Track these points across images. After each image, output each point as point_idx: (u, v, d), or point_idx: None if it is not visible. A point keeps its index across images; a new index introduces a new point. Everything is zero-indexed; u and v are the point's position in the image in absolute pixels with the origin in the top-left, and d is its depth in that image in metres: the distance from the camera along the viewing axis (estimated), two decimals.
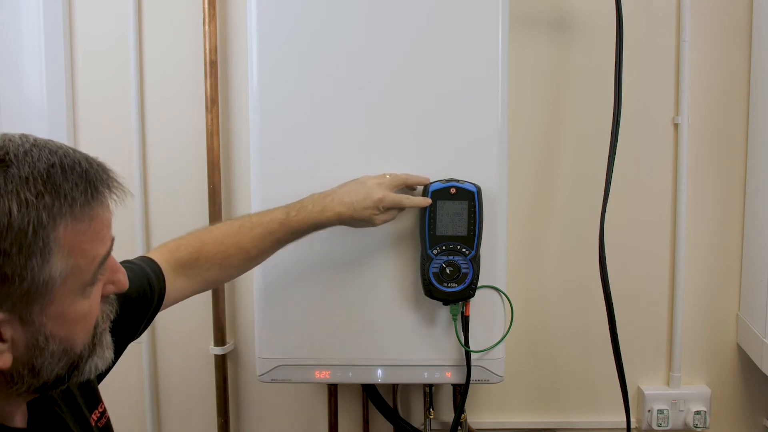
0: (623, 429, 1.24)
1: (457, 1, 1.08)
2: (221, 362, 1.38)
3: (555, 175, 1.34)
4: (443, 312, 1.13)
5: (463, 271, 1.07)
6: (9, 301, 0.53)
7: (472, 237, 1.07)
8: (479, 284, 1.09)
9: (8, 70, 1.27)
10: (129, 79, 1.32)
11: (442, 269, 1.07)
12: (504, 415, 1.42)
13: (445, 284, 1.07)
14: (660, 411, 1.37)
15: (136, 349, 1.37)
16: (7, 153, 0.54)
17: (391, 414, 1.35)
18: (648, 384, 1.39)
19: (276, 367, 1.15)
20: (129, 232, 1.35)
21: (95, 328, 0.61)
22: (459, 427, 1.23)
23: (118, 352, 0.78)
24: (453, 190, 1.06)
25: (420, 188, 1.09)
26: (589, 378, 1.39)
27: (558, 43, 1.31)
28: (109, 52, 1.33)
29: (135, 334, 0.87)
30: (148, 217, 1.36)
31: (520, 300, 1.30)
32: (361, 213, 0.99)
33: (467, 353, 1.12)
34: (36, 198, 0.53)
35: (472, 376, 1.13)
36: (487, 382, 1.15)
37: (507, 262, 1.14)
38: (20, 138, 0.56)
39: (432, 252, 1.07)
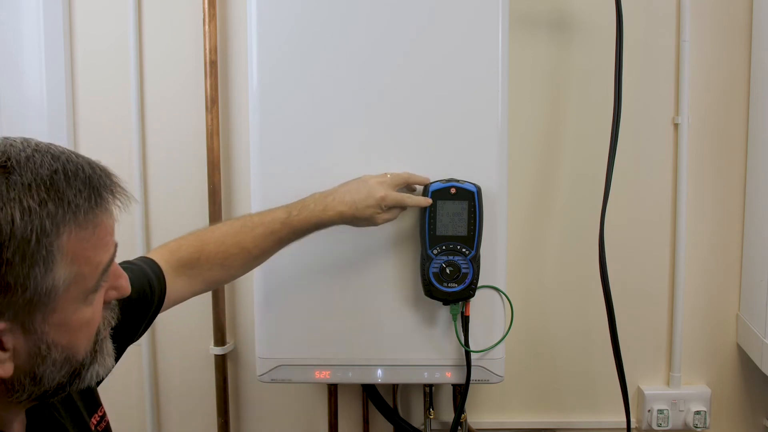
0: (623, 429, 1.24)
1: (457, 1, 1.08)
2: (221, 362, 1.38)
3: (555, 175, 1.34)
4: (443, 312, 1.13)
5: (463, 271, 1.07)
6: (11, 310, 0.53)
7: (472, 237, 1.07)
8: (479, 284, 1.09)
9: (8, 70, 1.27)
10: (129, 79, 1.32)
11: (442, 269, 1.07)
12: (504, 415, 1.42)
13: (445, 284, 1.07)
14: (660, 411, 1.37)
15: (136, 349, 1.37)
16: (9, 159, 0.53)
17: (391, 414, 1.35)
18: (648, 384, 1.39)
19: (276, 367, 1.15)
20: (129, 233, 1.34)
21: (97, 334, 0.61)
22: (459, 427, 1.23)
23: (118, 354, 0.77)
24: (453, 190, 1.06)
25: (420, 188, 1.09)
26: (589, 378, 1.39)
27: (558, 43, 1.31)
28: (109, 52, 1.33)
29: (135, 336, 0.86)
30: (148, 217, 1.36)
31: (520, 300, 1.30)
32: (363, 212, 0.99)
33: (467, 353, 1.12)
34: (39, 206, 0.52)
35: (472, 376, 1.13)
36: (487, 382, 1.15)
37: (507, 262, 1.14)
38: (22, 143, 0.55)
39: (432, 252, 1.07)
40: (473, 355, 1.13)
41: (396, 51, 1.09)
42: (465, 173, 1.09)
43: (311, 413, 1.42)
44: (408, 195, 1.06)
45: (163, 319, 0.92)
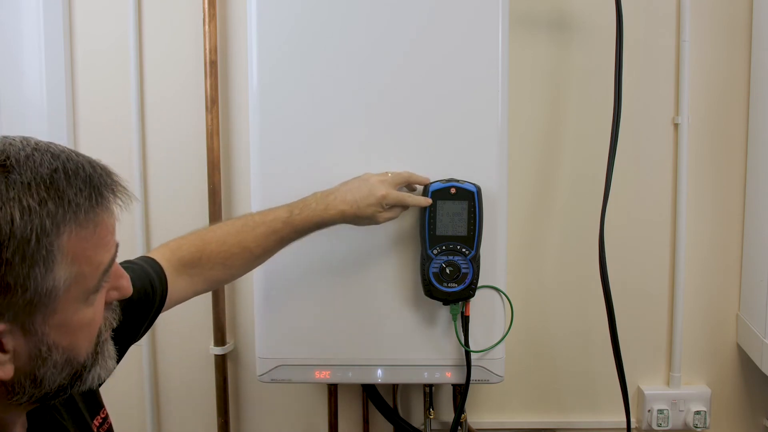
0: (623, 429, 1.24)
1: (457, 1, 1.08)
2: (221, 362, 1.38)
3: (555, 175, 1.34)
4: (443, 312, 1.13)
5: (463, 271, 1.07)
6: (11, 311, 0.52)
7: (472, 237, 1.07)
8: (479, 284, 1.09)
9: (8, 70, 1.27)
10: (129, 79, 1.32)
11: (442, 269, 1.07)
12: (504, 415, 1.42)
13: (445, 284, 1.07)
14: (660, 411, 1.37)
15: (136, 349, 1.36)
16: (8, 158, 0.52)
17: (391, 414, 1.35)
18: (648, 384, 1.39)
19: (276, 367, 1.15)
20: (129, 232, 1.34)
21: (98, 336, 0.60)
22: (459, 427, 1.23)
23: (120, 355, 0.77)
24: (453, 190, 1.06)
25: (420, 188, 1.09)
26: (589, 378, 1.39)
27: (558, 43, 1.31)
28: (109, 52, 1.33)
29: (137, 336, 0.86)
30: (148, 217, 1.36)
31: (520, 300, 1.30)
32: (365, 210, 0.99)
33: (467, 353, 1.12)
34: (39, 205, 0.51)
35: (472, 376, 1.13)
36: (487, 382, 1.15)
37: (507, 262, 1.14)
38: (21, 141, 0.54)
39: (432, 252, 1.07)
40: (473, 355, 1.13)
41: (396, 51, 1.09)
42: (465, 173, 1.09)
43: (311, 413, 1.42)
44: (408, 194, 1.06)
45: (163, 319, 0.92)
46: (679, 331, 1.36)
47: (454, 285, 1.07)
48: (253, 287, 1.15)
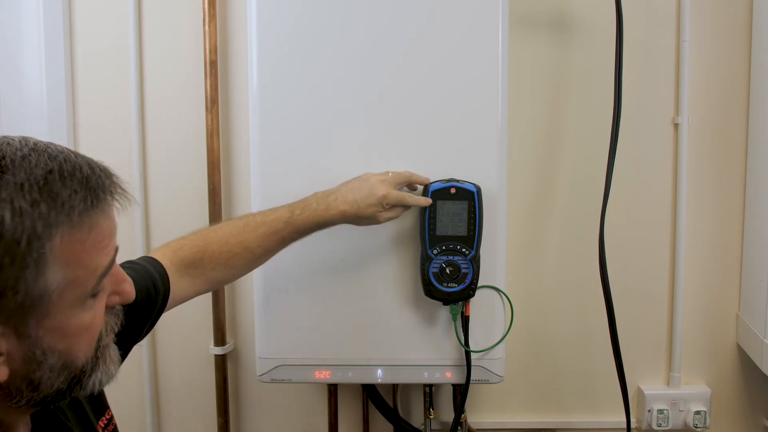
0: (623, 429, 1.24)
1: (457, 1, 1.08)
2: (221, 362, 1.38)
3: (555, 175, 1.34)
4: (443, 312, 1.13)
5: (463, 271, 1.07)
6: (3, 314, 0.51)
7: (472, 237, 1.07)
8: (479, 284, 1.09)
9: (8, 70, 1.27)
10: (129, 79, 1.32)
11: (442, 269, 1.07)
12: (504, 415, 1.42)
13: (445, 284, 1.07)
14: (660, 411, 1.37)
15: (136, 349, 1.34)
16: (3, 158, 0.51)
17: (391, 414, 1.35)
18: (648, 384, 1.39)
19: (276, 367, 1.15)
20: (129, 233, 1.34)
21: (98, 341, 0.59)
22: (459, 427, 1.23)
23: (123, 355, 0.76)
24: (453, 190, 1.06)
25: (420, 188, 1.09)
26: (589, 378, 1.39)
27: (558, 43, 1.31)
28: (109, 52, 1.33)
29: (139, 337, 0.86)
30: (148, 217, 1.36)
31: (520, 300, 1.30)
32: (365, 210, 0.99)
33: (467, 353, 1.12)
34: (31, 206, 0.50)
35: (472, 376, 1.13)
36: (487, 382, 1.15)
37: (507, 262, 1.14)
38: (20, 141, 0.54)
39: (432, 252, 1.07)
40: (473, 355, 1.13)
41: (396, 51, 1.09)
42: (465, 173, 1.09)
43: (311, 413, 1.42)
44: (409, 194, 1.06)
45: (163, 319, 0.91)
46: (679, 331, 1.36)
47: (454, 285, 1.07)
48: (253, 287, 1.15)
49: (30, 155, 0.52)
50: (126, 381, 1.39)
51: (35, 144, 0.54)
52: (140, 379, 1.39)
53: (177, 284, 0.90)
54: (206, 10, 1.28)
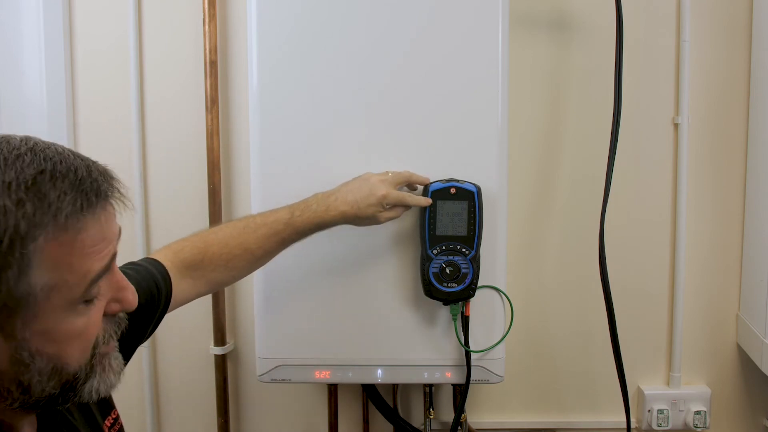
0: (623, 429, 1.24)
1: (457, 1, 1.08)
2: (221, 362, 1.38)
3: (555, 175, 1.34)
4: (443, 312, 1.13)
5: (463, 271, 1.07)
6: None
7: (472, 237, 1.07)
8: (479, 284, 1.09)
9: (8, 70, 1.27)
10: (129, 79, 1.32)
11: (442, 269, 1.07)
12: (504, 415, 1.42)
13: (445, 284, 1.07)
14: (660, 411, 1.37)
15: (137, 349, 1.36)
16: None
17: (391, 414, 1.35)
18: (648, 384, 1.39)
19: (276, 367, 1.15)
20: (129, 233, 1.34)
21: (94, 348, 0.58)
22: (459, 427, 1.23)
23: (128, 357, 0.76)
24: (453, 190, 1.06)
25: (420, 188, 1.09)
26: (589, 378, 1.39)
27: (558, 43, 1.31)
28: (109, 52, 1.33)
29: (143, 338, 0.86)
30: (148, 217, 1.36)
31: (520, 300, 1.30)
32: (366, 211, 0.99)
33: (467, 353, 1.12)
34: (15, 205, 0.49)
35: (472, 376, 1.13)
36: (487, 382, 1.15)
37: (507, 262, 1.14)
38: (20, 140, 0.53)
39: (432, 252, 1.07)
40: (473, 355, 1.13)
41: (396, 51, 1.09)
42: (465, 173, 1.09)
43: (311, 413, 1.42)
44: (409, 194, 1.06)
45: (163, 319, 0.92)
46: (679, 331, 1.36)
47: (454, 285, 1.07)
48: (253, 287, 1.15)
49: (25, 155, 0.52)
50: (126, 381, 1.37)
51: (35, 144, 0.54)
52: (140, 379, 1.39)
53: (178, 286, 0.89)
54: (206, 10, 1.28)
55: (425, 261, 1.07)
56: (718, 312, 1.37)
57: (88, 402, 0.60)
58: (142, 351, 1.37)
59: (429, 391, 1.29)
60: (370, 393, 1.34)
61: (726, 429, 1.41)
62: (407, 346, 1.14)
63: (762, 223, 1.26)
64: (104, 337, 0.59)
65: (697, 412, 1.35)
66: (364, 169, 1.07)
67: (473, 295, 1.08)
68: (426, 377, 1.15)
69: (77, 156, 0.56)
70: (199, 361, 1.39)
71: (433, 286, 1.07)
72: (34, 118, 1.28)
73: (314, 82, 1.10)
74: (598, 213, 1.21)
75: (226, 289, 1.37)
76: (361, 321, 1.13)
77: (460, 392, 1.18)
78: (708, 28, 1.31)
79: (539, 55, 1.31)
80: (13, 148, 0.52)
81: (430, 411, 1.29)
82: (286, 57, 1.09)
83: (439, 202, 1.06)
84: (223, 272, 0.95)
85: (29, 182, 0.51)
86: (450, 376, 1.14)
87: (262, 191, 1.12)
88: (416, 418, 1.39)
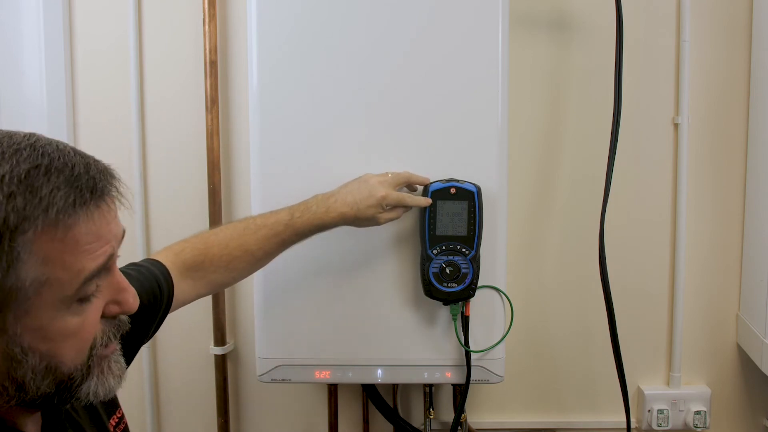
0: (623, 429, 1.24)
1: (457, 1, 1.08)
2: (221, 362, 1.38)
3: (555, 175, 1.34)
4: (443, 312, 1.13)
5: (463, 271, 1.07)
6: None
7: (472, 237, 1.07)
8: (479, 284, 1.09)
9: (8, 70, 1.27)
10: (129, 79, 1.32)
11: (442, 269, 1.07)
12: (504, 415, 1.42)
13: (445, 284, 1.07)
14: (660, 411, 1.37)
15: None
16: None
17: (391, 414, 1.35)
18: (648, 384, 1.39)
19: (276, 367, 1.15)
20: (129, 233, 1.32)
21: (91, 349, 0.57)
22: (459, 427, 1.23)
23: (131, 357, 0.76)
24: (453, 190, 1.06)
25: (420, 188, 1.09)
26: (589, 378, 1.39)
27: (558, 43, 1.31)
28: (109, 52, 1.33)
29: (146, 338, 0.86)
30: (148, 217, 1.36)
31: (520, 300, 1.30)
32: (365, 212, 0.99)
33: (467, 353, 1.12)
34: (6, 198, 0.49)
35: (472, 376, 1.13)
36: (487, 382, 1.15)
37: (507, 262, 1.14)
38: (23, 136, 0.53)
39: (432, 252, 1.07)
40: (473, 355, 1.13)
41: (396, 51, 1.09)
42: (465, 173, 1.09)
43: (311, 413, 1.42)
44: (408, 195, 1.06)
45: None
46: (679, 331, 1.36)
47: (454, 285, 1.07)
48: (253, 288, 1.15)
49: (24, 150, 0.52)
50: (126, 381, 1.38)
51: (37, 140, 0.54)
52: (140, 379, 1.39)
53: (179, 286, 0.90)
54: (206, 10, 1.28)
55: (425, 261, 1.07)
56: (718, 312, 1.37)
57: (86, 402, 0.60)
58: (142, 351, 1.37)
59: (429, 391, 1.29)
60: (370, 393, 1.34)
61: (726, 429, 1.41)
62: (407, 346, 1.14)
63: (762, 223, 1.26)
64: (102, 338, 0.58)
65: (697, 412, 1.35)
66: (364, 169, 1.07)
67: (473, 295, 1.08)
68: (426, 377, 1.15)
69: (78, 153, 0.55)
70: (199, 361, 1.39)
71: (433, 286, 1.07)
72: (34, 118, 1.28)
73: (314, 82, 1.10)
74: (598, 213, 1.21)
75: (226, 290, 1.37)
76: (361, 321, 1.13)
77: (460, 392, 1.18)
78: (708, 28, 1.31)
79: (539, 55, 1.31)
80: (14, 143, 0.52)
81: (430, 411, 1.29)
82: (286, 57, 1.09)
83: (439, 202, 1.06)
84: (223, 273, 0.95)
85: (22, 176, 0.51)
86: (450, 376, 1.14)
87: (262, 191, 1.12)
88: (416, 418, 1.39)
